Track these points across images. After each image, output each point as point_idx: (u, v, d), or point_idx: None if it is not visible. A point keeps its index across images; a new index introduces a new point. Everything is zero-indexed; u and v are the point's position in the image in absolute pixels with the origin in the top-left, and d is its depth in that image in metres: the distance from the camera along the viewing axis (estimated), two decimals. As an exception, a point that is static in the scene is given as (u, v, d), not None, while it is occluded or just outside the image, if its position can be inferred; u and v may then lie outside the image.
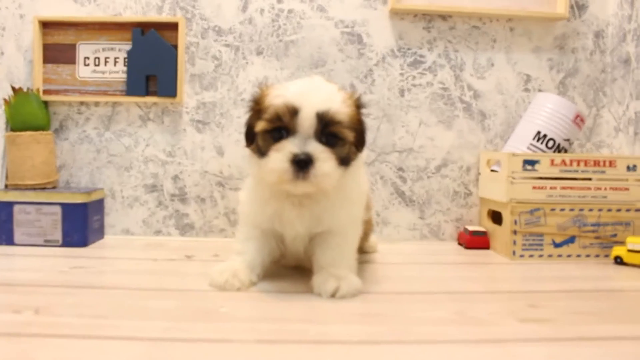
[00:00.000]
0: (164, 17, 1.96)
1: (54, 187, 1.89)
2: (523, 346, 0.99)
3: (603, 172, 1.79)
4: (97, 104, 1.98)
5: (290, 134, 1.23)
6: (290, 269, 1.52)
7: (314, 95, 1.24)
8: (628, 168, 1.80)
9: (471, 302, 1.26)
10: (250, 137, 1.34)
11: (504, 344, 1.00)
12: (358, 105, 1.33)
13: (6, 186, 1.88)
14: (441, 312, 1.18)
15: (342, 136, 1.25)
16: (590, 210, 1.77)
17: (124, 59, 1.95)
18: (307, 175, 1.20)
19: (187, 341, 0.98)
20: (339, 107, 1.24)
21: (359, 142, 1.32)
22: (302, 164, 1.19)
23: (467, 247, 1.91)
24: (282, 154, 1.21)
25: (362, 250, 1.69)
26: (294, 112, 1.21)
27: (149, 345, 0.96)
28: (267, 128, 1.25)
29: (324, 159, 1.21)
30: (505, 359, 0.94)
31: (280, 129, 1.24)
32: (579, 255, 1.77)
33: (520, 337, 1.04)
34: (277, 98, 1.24)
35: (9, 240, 1.78)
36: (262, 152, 1.27)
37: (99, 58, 1.96)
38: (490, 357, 0.94)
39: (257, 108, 1.31)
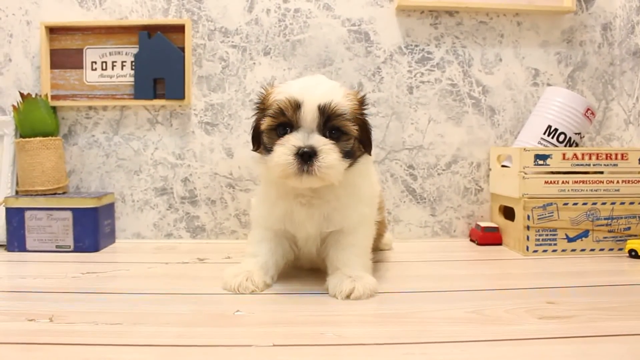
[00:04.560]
0: (170, 19, 1.96)
1: (64, 193, 1.89)
2: (544, 344, 0.98)
3: (615, 165, 1.78)
4: (105, 108, 1.98)
5: (294, 128, 1.24)
6: (304, 270, 1.51)
7: (316, 89, 1.25)
8: (640, 160, 1.79)
9: (487, 299, 1.26)
10: (257, 138, 1.35)
11: (525, 343, 0.99)
12: (361, 102, 1.34)
13: (17, 192, 1.88)
14: (458, 310, 1.17)
15: (346, 130, 1.26)
16: (603, 203, 1.75)
17: (131, 62, 1.95)
18: (312, 168, 1.20)
19: (203, 347, 0.97)
20: (341, 101, 1.25)
21: (364, 140, 1.33)
22: (305, 157, 1.20)
23: (479, 244, 1.91)
24: (286, 147, 1.22)
25: (378, 248, 1.69)
26: (296, 106, 1.22)
27: (164, 352, 0.95)
28: (272, 124, 1.27)
29: (327, 151, 1.22)
30: (527, 358, 0.93)
31: (284, 124, 1.25)
32: (592, 250, 1.76)
33: (541, 335, 1.02)
34: (280, 94, 1.26)
35: (21, 247, 1.78)
36: (267, 149, 1.28)
37: (106, 62, 1.96)
38: (511, 356, 0.93)
39: (262, 107, 1.33)
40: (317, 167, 1.20)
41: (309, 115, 1.22)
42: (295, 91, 1.25)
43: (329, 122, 1.24)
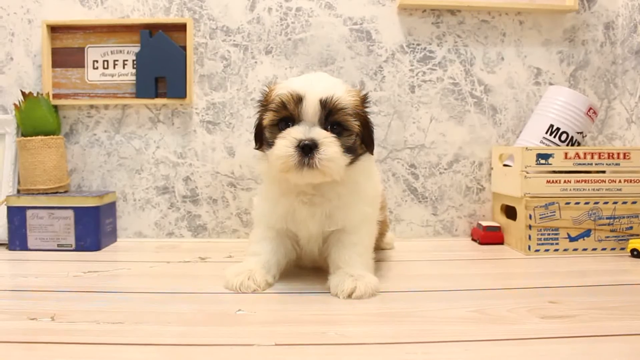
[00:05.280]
0: (172, 18, 1.95)
1: (65, 191, 1.89)
2: (547, 344, 0.98)
3: (617, 164, 1.78)
4: (106, 107, 1.98)
5: (296, 122, 1.25)
6: (306, 269, 1.51)
7: (318, 84, 1.26)
8: (642, 160, 1.79)
9: (490, 298, 1.25)
10: (259, 135, 1.36)
11: (527, 342, 0.99)
12: (363, 99, 1.34)
13: (18, 191, 1.88)
14: (460, 310, 1.17)
15: (347, 125, 1.26)
16: (605, 203, 1.75)
17: (133, 61, 1.95)
18: (312, 161, 1.20)
19: (205, 346, 0.97)
20: (343, 95, 1.26)
21: (366, 137, 1.33)
22: (306, 149, 1.20)
23: (481, 243, 1.90)
24: (287, 140, 1.22)
25: (379, 247, 1.69)
26: (298, 99, 1.23)
27: (166, 351, 0.95)
28: (274, 118, 1.27)
29: (329, 143, 1.22)
30: (529, 357, 0.93)
31: (286, 119, 1.26)
32: (594, 249, 1.76)
33: (544, 334, 1.02)
34: (283, 89, 1.27)
35: (23, 245, 1.78)
36: (269, 144, 1.28)
37: (107, 61, 1.95)
38: (513, 355, 0.93)
39: (264, 104, 1.34)
40: (318, 159, 1.20)
41: (311, 108, 1.23)
42: (297, 86, 1.26)
43: (331, 117, 1.24)
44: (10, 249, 1.79)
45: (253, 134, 1.39)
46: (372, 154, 1.37)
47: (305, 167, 1.21)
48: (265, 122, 1.30)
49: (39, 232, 1.78)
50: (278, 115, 1.27)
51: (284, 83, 1.31)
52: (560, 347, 0.97)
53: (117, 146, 1.99)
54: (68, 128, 1.99)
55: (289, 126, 1.25)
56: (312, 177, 1.24)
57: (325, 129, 1.24)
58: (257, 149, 1.39)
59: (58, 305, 1.20)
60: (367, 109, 1.34)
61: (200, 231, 2.01)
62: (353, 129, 1.27)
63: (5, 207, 1.80)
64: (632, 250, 1.70)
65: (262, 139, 1.34)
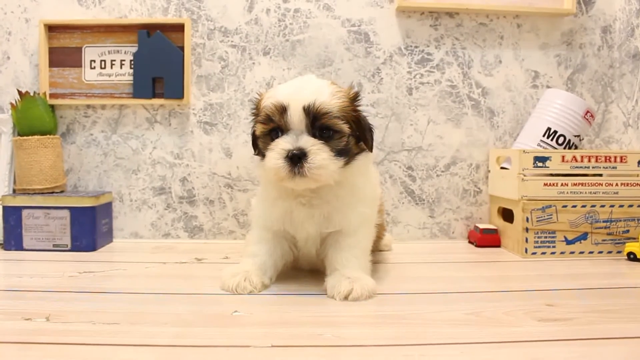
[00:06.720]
0: (170, 18, 1.95)
1: (61, 191, 1.88)
2: (544, 347, 0.98)
3: (614, 167, 1.78)
4: (103, 107, 1.97)
5: (284, 132, 1.25)
6: (302, 271, 1.51)
7: (301, 91, 1.25)
8: (639, 163, 1.79)
9: (486, 301, 1.25)
10: (255, 143, 1.37)
11: (524, 345, 0.99)
12: (352, 98, 1.32)
13: (14, 191, 1.88)
14: (457, 312, 1.17)
15: (336, 128, 1.25)
16: (602, 206, 1.75)
17: (130, 61, 1.94)
18: (302, 170, 1.21)
19: (201, 347, 0.97)
20: (326, 99, 1.24)
21: (362, 136, 1.32)
22: (295, 159, 1.21)
23: (478, 246, 1.90)
24: (276, 151, 1.23)
25: (377, 249, 1.69)
26: (282, 110, 1.23)
27: (162, 352, 0.95)
28: (263, 130, 1.28)
29: (316, 151, 1.22)
30: (526, 360, 0.93)
31: (275, 129, 1.26)
32: (591, 252, 1.76)
33: (540, 337, 1.02)
34: (268, 99, 1.27)
35: (18, 245, 1.78)
36: (262, 154, 1.30)
37: (105, 61, 1.95)
38: (510, 358, 0.93)
39: (256, 113, 1.35)
40: (307, 168, 1.21)
41: (295, 117, 1.23)
42: (281, 95, 1.25)
43: (317, 122, 1.24)
44: (5, 249, 1.79)
45: (251, 141, 1.40)
46: (371, 151, 1.37)
47: (297, 175, 1.21)
48: (257, 132, 1.31)
49: (34, 232, 1.78)
50: (267, 127, 1.27)
51: (271, 92, 1.30)
52: (557, 350, 0.97)
53: (114, 146, 1.99)
54: (65, 128, 1.98)
55: (278, 135, 1.26)
56: (306, 184, 1.24)
57: (314, 134, 1.24)
58: (255, 154, 1.40)
59: (53, 306, 1.19)
60: (358, 108, 1.33)
61: (196, 232, 2.01)
62: (343, 131, 1.26)
63: (1, 206, 1.80)
64: (629, 254, 1.70)
65: (258, 145, 1.35)
